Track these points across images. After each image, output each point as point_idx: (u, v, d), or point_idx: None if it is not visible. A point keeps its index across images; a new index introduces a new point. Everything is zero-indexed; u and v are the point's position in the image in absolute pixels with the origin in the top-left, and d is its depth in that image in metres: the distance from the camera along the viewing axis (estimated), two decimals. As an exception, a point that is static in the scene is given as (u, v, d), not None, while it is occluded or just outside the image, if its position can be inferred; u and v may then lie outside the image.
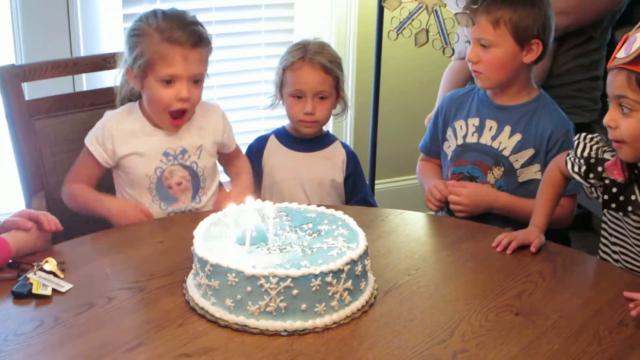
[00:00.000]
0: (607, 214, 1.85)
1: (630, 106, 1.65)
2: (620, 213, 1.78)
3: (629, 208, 1.75)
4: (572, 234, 2.53)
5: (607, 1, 2.45)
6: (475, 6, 1.84)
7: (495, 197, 2.11)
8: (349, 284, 1.51)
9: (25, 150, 2.13)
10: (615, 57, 1.68)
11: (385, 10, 2.89)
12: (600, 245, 1.90)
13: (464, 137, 2.17)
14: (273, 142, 2.36)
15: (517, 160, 2.11)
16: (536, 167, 2.11)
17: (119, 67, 2.09)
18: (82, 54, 2.86)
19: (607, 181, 1.78)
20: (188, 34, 1.97)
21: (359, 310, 1.54)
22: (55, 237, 1.81)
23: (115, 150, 2.03)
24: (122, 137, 2.04)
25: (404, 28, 1.70)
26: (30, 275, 1.59)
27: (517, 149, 2.11)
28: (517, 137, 2.10)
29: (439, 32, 1.66)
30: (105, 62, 2.27)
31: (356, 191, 2.37)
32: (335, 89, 2.28)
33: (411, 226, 1.99)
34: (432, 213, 2.25)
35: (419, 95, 2.91)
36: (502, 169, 2.12)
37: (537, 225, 1.86)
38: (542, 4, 2.06)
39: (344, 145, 2.39)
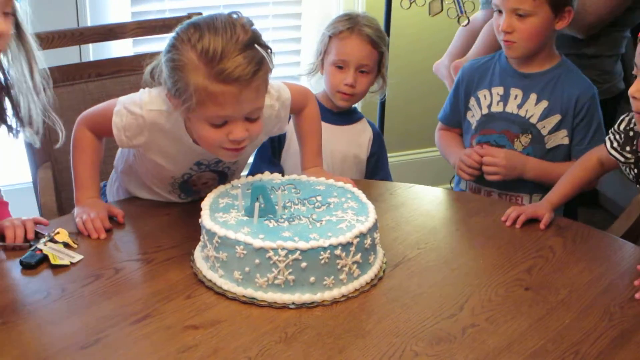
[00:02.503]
0: None
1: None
2: None
3: None
4: (579, 210, 2.51)
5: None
6: None
7: (527, 161, 2.11)
8: (358, 257, 1.50)
9: (32, 120, 2.11)
10: None
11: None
12: None
13: (489, 106, 2.17)
14: None
15: (544, 127, 2.11)
16: (563, 132, 2.11)
17: (148, 70, 1.69)
18: (89, 24, 2.84)
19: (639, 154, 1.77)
20: (244, 66, 1.53)
21: (367, 283, 1.53)
22: (64, 209, 1.80)
23: (142, 147, 1.75)
24: (155, 139, 1.73)
25: (418, -3, 1.67)
26: (40, 246, 1.58)
27: (544, 115, 2.11)
28: (544, 104, 2.10)
29: (454, 1, 1.63)
30: (112, 32, 2.25)
31: (377, 170, 2.35)
32: (378, 65, 2.26)
33: (420, 200, 1.98)
34: (450, 186, 2.24)
35: (428, 69, 2.89)
36: (530, 136, 2.12)
37: (550, 202, 1.85)
38: None
39: (371, 124, 2.36)
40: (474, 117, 2.20)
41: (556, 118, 2.10)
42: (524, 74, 2.13)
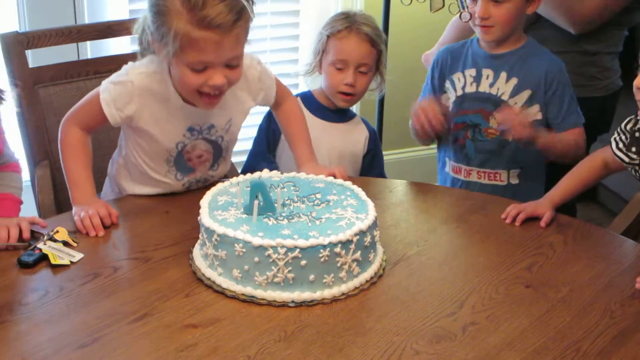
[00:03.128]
0: None
1: None
2: None
3: None
4: (578, 206, 2.51)
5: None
6: None
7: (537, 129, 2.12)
8: (357, 255, 1.49)
9: (30, 118, 2.10)
10: None
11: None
12: None
13: (463, 87, 2.20)
14: None
15: (516, 102, 2.14)
16: (535, 107, 2.14)
17: (136, 29, 1.80)
18: (87, 21, 2.83)
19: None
20: (225, 13, 1.59)
21: (367, 281, 1.53)
22: (62, 207, 1.79)
23: (134, 118, 1.78)
24: (146, 105, 1.77)
25: (419, -8, 1.66)
26: (40, 245, 1.57)
27: (515, 92, 2.14)
28: (514, 80, 2.14)
29: (456, -4, 1.62)
30: (110, 29, 2.24)
31: (373, 166, 2.35)
32: (376, 63, 2.25)
33: (419, 197, 1.97)
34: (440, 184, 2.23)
35: (426, 69, 2.88)
36: None
37: (552, 200, 1.84)
38: None
39: (365, 122, 2.36)
40: (449, 99, 2.23)
41: (527, 93, 2.14)
42: (494, 54, 2.18)
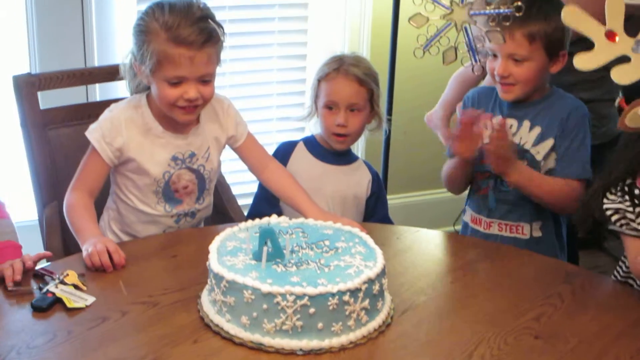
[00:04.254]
0: None
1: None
2: None
3: None
4: (581, 253, 2.50)
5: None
6: (508, 23, 1.78)
7: (519, 163, 2.08)
8: (366, 303, 1.49)
9: (39, 159, 2.12)
10: None
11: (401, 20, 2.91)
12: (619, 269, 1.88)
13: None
14: (300, 149, 2.34)
15: (538, 152, 2.12)
16: (553, 155, 2.12)
17: (126, 57, 2.01)
18: (96, 64, 2.85)
19: (637, 191, 1.77)
20: (196, 33, 1.85)
21: (375, 330, 1.52)
22: (70, 249, 1.79)
23: (123, 150, 1.95)
24: (131, 136, 1.96)
25: (431, 46, 1.67)
26: (51, 288, 1.57)
27: (537, 140, 2.12)
28: (537, 129, 2.12)
29: (468, 50, 1.64)
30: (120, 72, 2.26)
31: (377, 210, 2.35)
32: (370, 102, 2.27)
33: (427, 244, 1.97)
34: (454, 229, 2.24)
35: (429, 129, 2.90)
36: (525, 162, 2.12)
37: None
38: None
39: (367, 165, 2.38)
40: None
41: (549, 142, 2.11)
42: (518, 105, 2.16)
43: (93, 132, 1.96)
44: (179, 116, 1.93)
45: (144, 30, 1.89)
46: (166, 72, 1.87)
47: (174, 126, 1.99)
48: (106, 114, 1.98)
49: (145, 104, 1.99)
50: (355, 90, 2.23)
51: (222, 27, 1.95)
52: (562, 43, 2.08)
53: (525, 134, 2.14)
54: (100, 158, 1.95)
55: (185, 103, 1.90)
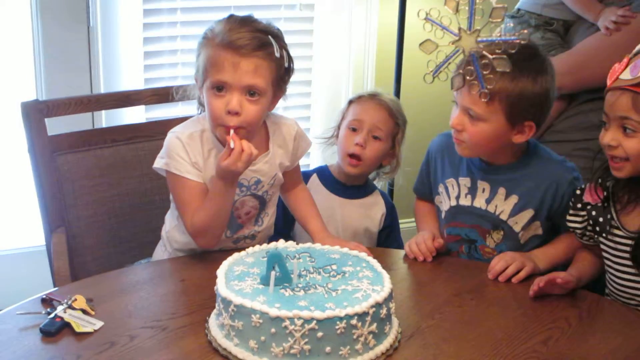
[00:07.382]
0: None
1: (633, 127, 1.70)
2: (603, 235, 1.83)
3: (607, 227, 1.81)
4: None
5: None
6: (514, 50, 1.68)
7: (532, 253, 1.95)
8: (373, 327, 1.49)
9: (47, 185, 2.13)
10: (618, 78, 1.71)
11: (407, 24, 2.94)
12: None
13: (457, 197, 2.04)
14: (314, 180, 2.34)
15: (516, 222, 1.98)
16: (536, 224, 1.99)
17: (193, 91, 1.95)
18: (102, 90, 2.88)
19: (589, 207, 1.84)
20: (246, 39, 1.75)
21: (383, 354, 1.52)
22: (77, 274, 1.79)
23: (198, 163, 1.86)
24: (203, 159, 1.87)
25: (440, 71, 1.69)
26: (60, 313, 1.58)
27: (515, 211, 1.98)
28: (513, 199, 1.97)
29: (476, 77, 1.65)
30: (128, 99, 2.28)
31: (389, 242, 2.35)
32: (392, 139, 2.28)
33: (434, 268, 1.97)
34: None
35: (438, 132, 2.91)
36: (502, 232, 2.00)
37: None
38: (546, 75, 1.89)
39: (384, 196, 2.38)
40: (442, 203, 2.09)
41: (529, 213, 1.97)
42: (489, 167, 1.99)
43: (166, 162, 1.86)
44: (222, 135, 1.81)
45: (201, 41, 1.83)
46: (211, 77, 1.78)
47: None
48: (168, 140, 1.88)
49: (208, 129, 1.88)
50: (384, 117, 2.26)
51: (287, 52, 1.85)
52: (527, 113, 1.87)
53: (500, 203, 1.98)
54: (190, 180, 1.86)
55: (227, 119, 1.77)
